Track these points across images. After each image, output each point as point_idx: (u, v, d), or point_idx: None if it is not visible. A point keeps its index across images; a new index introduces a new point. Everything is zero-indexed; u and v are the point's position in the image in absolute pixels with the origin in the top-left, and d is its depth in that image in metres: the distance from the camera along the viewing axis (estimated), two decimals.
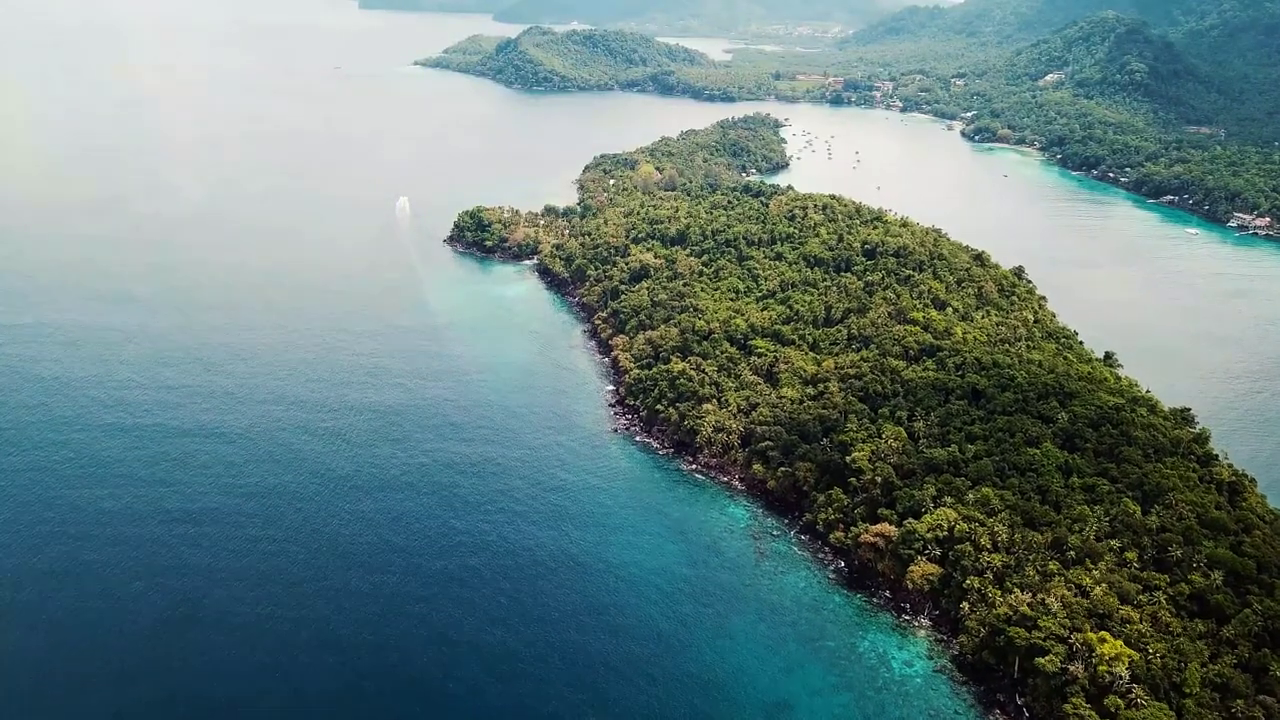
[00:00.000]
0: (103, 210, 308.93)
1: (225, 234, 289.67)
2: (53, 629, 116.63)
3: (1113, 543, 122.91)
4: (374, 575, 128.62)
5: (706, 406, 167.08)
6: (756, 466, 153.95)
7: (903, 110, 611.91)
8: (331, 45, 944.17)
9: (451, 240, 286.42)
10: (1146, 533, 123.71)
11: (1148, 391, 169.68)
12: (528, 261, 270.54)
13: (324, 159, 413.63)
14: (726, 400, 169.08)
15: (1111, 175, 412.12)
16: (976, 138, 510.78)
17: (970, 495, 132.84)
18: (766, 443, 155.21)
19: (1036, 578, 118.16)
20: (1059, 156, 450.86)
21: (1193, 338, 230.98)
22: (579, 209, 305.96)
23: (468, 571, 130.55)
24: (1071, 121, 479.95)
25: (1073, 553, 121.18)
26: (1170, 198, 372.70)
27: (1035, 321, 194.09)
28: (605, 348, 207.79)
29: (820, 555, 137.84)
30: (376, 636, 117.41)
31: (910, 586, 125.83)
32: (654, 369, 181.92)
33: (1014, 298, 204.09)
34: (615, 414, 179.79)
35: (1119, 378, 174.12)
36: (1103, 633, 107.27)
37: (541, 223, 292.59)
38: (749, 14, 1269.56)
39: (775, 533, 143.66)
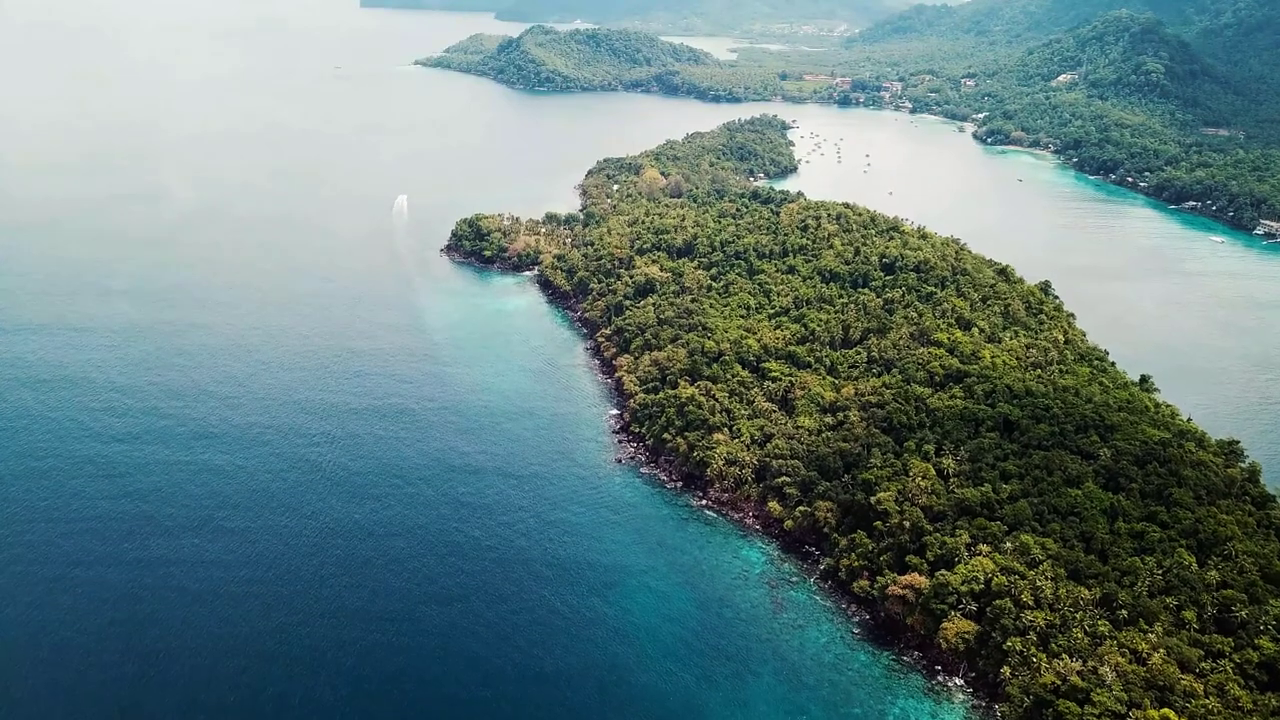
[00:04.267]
0: (93, 214, 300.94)
1: (222, 240, 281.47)
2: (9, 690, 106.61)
3: (1168, 600, 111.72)
4: (365, 615, 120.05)
5: (717, 436, 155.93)
6: (772, 504, 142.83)
7: (912, 111, 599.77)
8: (332, 45, 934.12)
9: (449, 249, 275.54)
10: (1205, 589, 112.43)
11: (1189, 419, 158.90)
12: (528, 272, 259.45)
13: (322, 160, 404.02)
14: (739, 430, 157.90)
15: (1130, 180, 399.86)
16: (989, 140, 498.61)
17: (1008, 543, 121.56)
18: (783, 478, 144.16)
19: (1085, 640, 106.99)
20: (1075, 160, 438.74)
21: (1227, 354, 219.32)
22: (581, 216, 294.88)
23: (465, 620, 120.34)
24: (1087, 123, 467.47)
25: (1124, 612, 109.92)
26: (1193, 203, 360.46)
27: (1066, 342, 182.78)
28: (609, 368, 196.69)
29: (843, 606, 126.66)
30: (366, 692, 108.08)
31: (944, 645, 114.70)
32: (661, 393, 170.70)
33: (1042, 316, 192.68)
34: (619, 442, 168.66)
35: (1156, 404, 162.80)
36: (1165, 710, 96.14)
37: (542, 231, 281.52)
38: (754, 13, 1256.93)
39: (793, 579, 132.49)
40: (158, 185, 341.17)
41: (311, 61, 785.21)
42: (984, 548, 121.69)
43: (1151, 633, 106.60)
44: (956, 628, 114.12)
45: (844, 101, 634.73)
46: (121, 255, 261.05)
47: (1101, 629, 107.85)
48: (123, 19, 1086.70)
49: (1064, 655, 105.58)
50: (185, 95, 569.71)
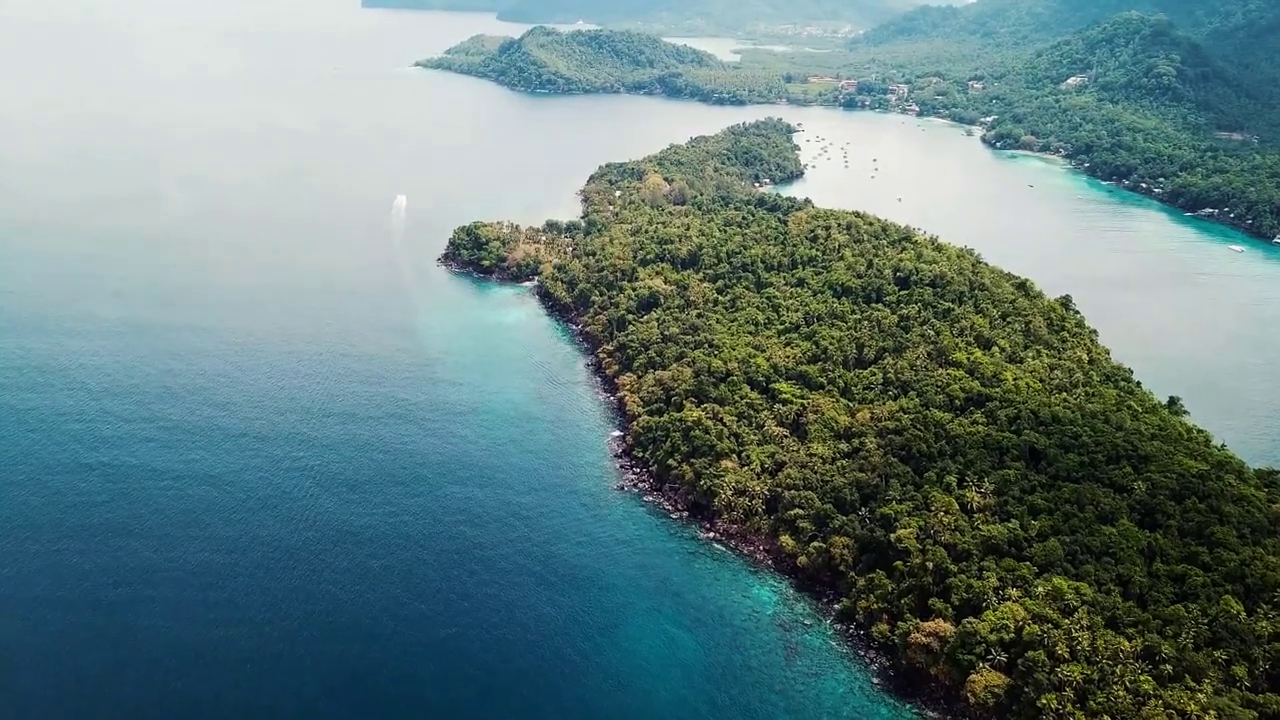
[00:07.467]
0: (88, 215, 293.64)
1: (219, 242, 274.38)
2: None
3: (1216, 653, 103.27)
4: (356, 657, 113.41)
5: (725, 464, 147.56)
6: (785, 538, 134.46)
7: (919, 114, 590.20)
8: (332, 45, 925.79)
9: (447, 258, 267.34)
10: (1256, 641, 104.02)
11: (1223, 446, 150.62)
12: (527, 283, 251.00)
13: (320, 160, 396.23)
14: (748, 456, 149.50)
15: (1144, 186, 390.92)
16: (998, 144, 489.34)
17: (1039, 587, 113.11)
18: (796, 511, 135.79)
19: (1128, 698, 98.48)
20: (1086, 165, 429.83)
21: (1252, 372, 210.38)
22: (583, 224, 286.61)
23: (458, 661, 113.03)
24: (1098, 128, 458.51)
25: (1168, 666, 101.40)
26: (1209, 210, 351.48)
27: (1090, 362, 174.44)
28: (610, 385, 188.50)
29: (861, 653, 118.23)
30: None
31: (971, 699, 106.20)
32: (665, 416, 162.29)
33: (1064, 333, 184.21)
34: (621, 467, 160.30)
35: (1189, 430, 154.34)
36: None
37: (543, 239, 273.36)
38: (757, 13, 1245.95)
39: (807, 621, 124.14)
40: (154, 186, 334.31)
41: (311, 62, 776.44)
42: (1013, 591, 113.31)
43: (1200, 691, 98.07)
44: (985, 680, 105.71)
45: (849, 104, 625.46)
46: (115, 256, 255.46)
47: (1145, 686, 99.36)
48: (123, 19, 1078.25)
49: (1104, 715, 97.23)
50: (185, 96, 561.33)
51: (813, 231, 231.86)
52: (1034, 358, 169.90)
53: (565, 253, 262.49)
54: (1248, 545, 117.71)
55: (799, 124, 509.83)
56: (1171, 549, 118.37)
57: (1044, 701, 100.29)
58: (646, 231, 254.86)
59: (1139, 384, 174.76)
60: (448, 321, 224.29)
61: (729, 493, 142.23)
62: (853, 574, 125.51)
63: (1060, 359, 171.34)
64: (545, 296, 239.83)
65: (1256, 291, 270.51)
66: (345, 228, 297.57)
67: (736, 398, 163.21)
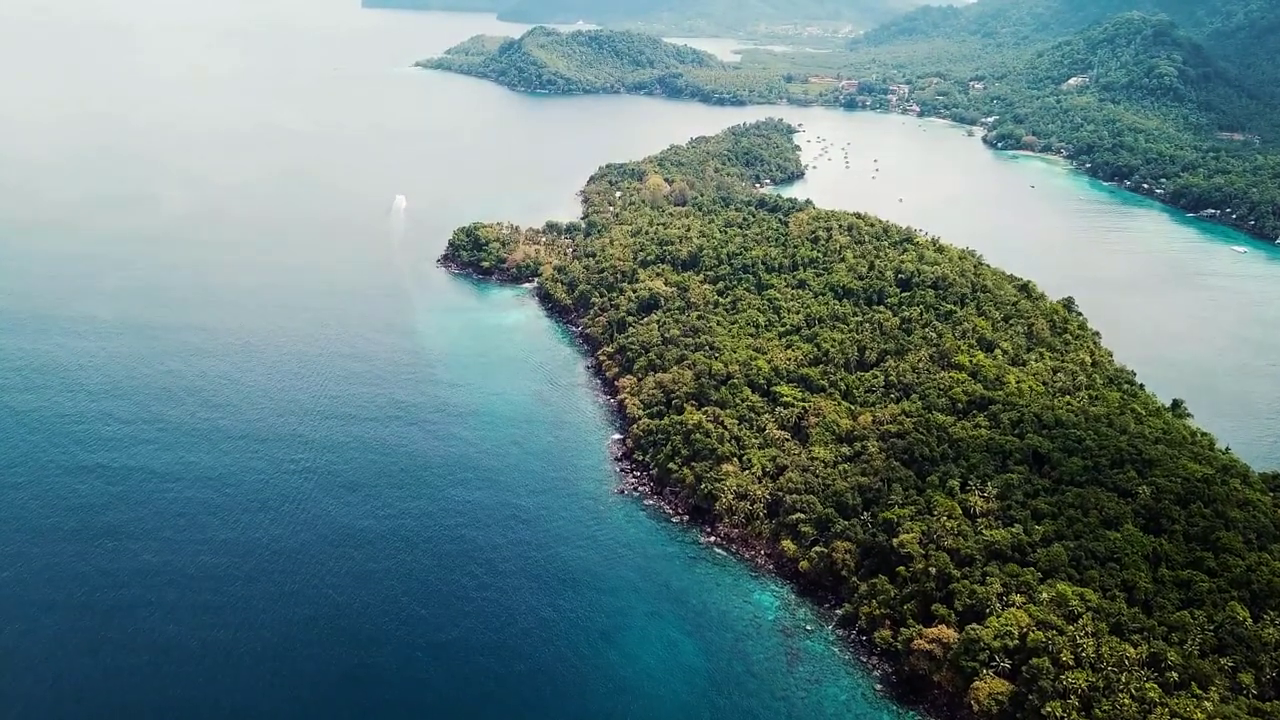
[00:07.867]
0: (86, 215, 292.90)
1: (218, 243, 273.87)
2: None
3: (1222, 660, 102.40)
4: (354, 668, 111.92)
5: (727, 467, 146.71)
6: (786, 543, 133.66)
7: (920, 114, 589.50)
8: (332, 45, 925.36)
9: (446, 260, 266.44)
10: (1263, 648, 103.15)
11: (1227, 449, 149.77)
12: (527, 285, 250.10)
13: (320, 160, 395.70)
14: (749, 460, 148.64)
15: (1146, 186, 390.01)
16: (999, 145, 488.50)
17: (1044, 593, 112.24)
18: (797, 515, 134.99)
19: (1134, 707, 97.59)
20: (1088, 165, 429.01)
21: (1255, 374, 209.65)
22: (583, 225, 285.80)
23: (459, 667, 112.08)
24: (1100, 128, 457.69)
25: (1174, 674, 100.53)
26: (1211, 211, 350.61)
27: (1093, 364, 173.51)
28: (611, 388, 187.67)
29: (863, 659, 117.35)
30: None
31: (975, 707, 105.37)
32: (665, 419, 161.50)
33: (1066, 335, 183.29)
34: (621, 470, 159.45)
35: (1193, 433, 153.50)
36: None
37: (543, 240, 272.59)
38: (758, 13, 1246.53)
39: (809, 627, 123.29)
40: (154, 186, 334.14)
41: (311, 62, 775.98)
42: (1017, 597, 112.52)
43: (1207, 699, 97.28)
44: (989, 688, 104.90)
45: (850, 104, 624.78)
46: (116, 256, 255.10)
47: (1151, 694, 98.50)
48: (123, 19, 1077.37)
49: None
50: (185, 96, 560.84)
51: (814, 233, 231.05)
52: (1037, 360, 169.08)
53: (565, 254, 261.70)
54: (1253, 550, 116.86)
55: (800, 124, 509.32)
56: (1177, 554, 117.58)
57: (1049, 709, 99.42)
58: (647, 233, 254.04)
59: (1142, 387, 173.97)
60: (447, 323, 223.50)
61: (730, 496, 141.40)
62: (855, 579, 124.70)
63: (1063, 361, 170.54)
64: (545, 298, 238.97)
65: (1259, 293, 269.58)
66: (345, 228, 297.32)
67: (737, 400, 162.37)
